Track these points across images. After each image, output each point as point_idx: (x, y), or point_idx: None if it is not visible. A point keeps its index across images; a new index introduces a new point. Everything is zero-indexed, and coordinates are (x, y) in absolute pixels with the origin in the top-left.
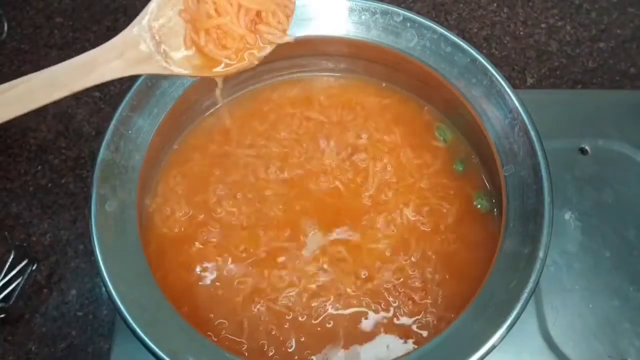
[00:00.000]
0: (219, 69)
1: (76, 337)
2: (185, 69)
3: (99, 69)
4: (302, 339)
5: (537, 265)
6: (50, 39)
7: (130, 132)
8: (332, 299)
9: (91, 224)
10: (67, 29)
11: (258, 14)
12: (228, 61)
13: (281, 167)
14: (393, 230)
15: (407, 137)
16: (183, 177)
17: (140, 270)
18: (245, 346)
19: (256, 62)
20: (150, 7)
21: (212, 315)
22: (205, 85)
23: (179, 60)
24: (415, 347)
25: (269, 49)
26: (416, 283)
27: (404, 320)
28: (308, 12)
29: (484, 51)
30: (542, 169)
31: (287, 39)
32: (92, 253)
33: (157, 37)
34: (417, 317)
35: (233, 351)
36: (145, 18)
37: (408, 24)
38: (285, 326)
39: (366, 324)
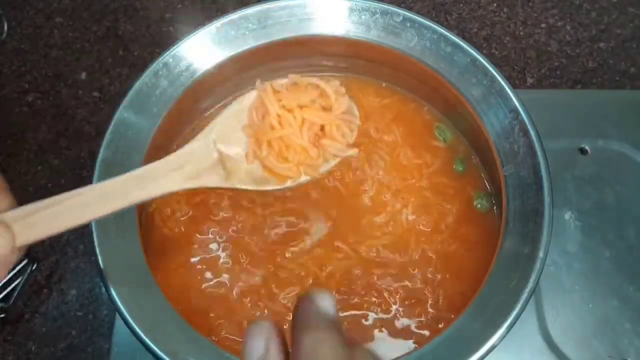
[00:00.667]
0: (279, 185)
1: (76, 337)
2: (246, 183)
3: (158, 181)
4: None
5: (537, 265)
6: (50, 38)
7: (130, 132)
8: None
9: (91, 224)
10: (67, 28)
11: (322, 128)
12: (290, 174)
13: None
14: (393, 230)
15: (407, 137)
16: None
17: (140, 270)
18: None
19: (318, 177)
20: (215, 122)
21: (212, 315)
22: (204, 85)
23: (240, 174)
24: (416, 347)
25: (333, 163)
26: (416, 283)
27: (404, 320)
28: (308, 12)
29: (484, 51)
30: (542, 169)
31: (351, 152)
32: (92, 253)
33: (219, 151)
34: (417, 317)
35: (233, 351)
36: (209, 133)
37: (408, 24)
38: (285, 327)
39: (366, 324)
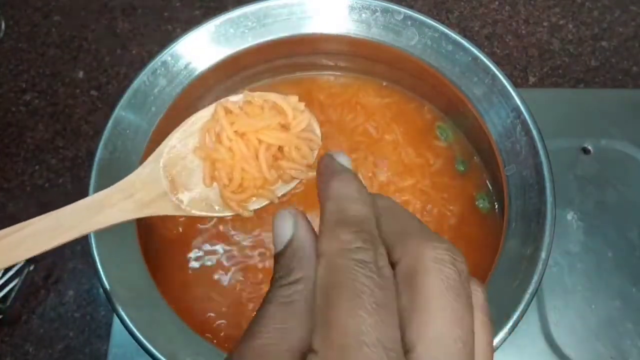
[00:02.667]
0: (236, 211)
1: (73, 338)
2: (202, 209)
3: (107, 210)
4: None
5: (539, 266)
6: (48, 37)
7: (128, 131)
8: None
9: None
10: (65, 27)
11: (280, 149)
12: (246, 201)
13: None
14: None
15: (408, 137)
16: None
17: (138, 271)
18: None
19: (277, 201)
20: (164, 146)
21: (210, 316)
22: (203, 84)
23: (194, 200)
24: None
25: (292, 185)
26: None
27: None
28: (308, 10)
29: (486, 50)
30: (544, 169)
31: (311, 175)
32: (90, 254)
33: (171, 177)
34: None
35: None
36: (158, 157)
37: (409, 22)
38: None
39: None
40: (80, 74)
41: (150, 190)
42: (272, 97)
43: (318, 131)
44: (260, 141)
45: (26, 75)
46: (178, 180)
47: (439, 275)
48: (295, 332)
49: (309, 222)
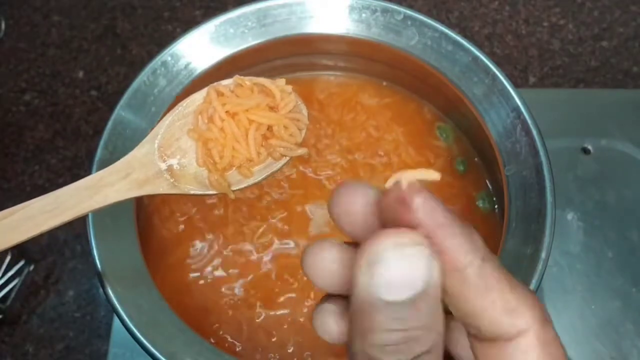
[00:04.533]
0: (229, 187)
1: (73, 338)
2: (195, 188)
3: (105, 190)
4: (301, 341)
5: (539, 266)
6: (48, 37)
7: (127, 131)
8: None
9: (88, 225)
10: (64, 27)
11: (269, 128)
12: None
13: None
14: None
15: (407, 137)
16: None
17: (138, 271)
18: (244, 348)
19: (264, 179)
20: (159, 127)
21: (210, 317)
22: (203, 84)
23: (188, 179)
24: None
25: (282, 163)
26: None
27: None
28: (308, 10)
29: (486, 50)
30: (544, 169)
31: (300, 152)
32: (90, 254)
33: (166, 157)
34: None
35: (231, 353)
36: (153, 138)
37: (409, 22)
38: (285, 327)
39: None
40: (80, 74)
41: (146, 170)
42: (261, 80)
43: (305, 112)
44: (250, 121)
45: (26, 75)
46: (174, 161)
47: None
48: None
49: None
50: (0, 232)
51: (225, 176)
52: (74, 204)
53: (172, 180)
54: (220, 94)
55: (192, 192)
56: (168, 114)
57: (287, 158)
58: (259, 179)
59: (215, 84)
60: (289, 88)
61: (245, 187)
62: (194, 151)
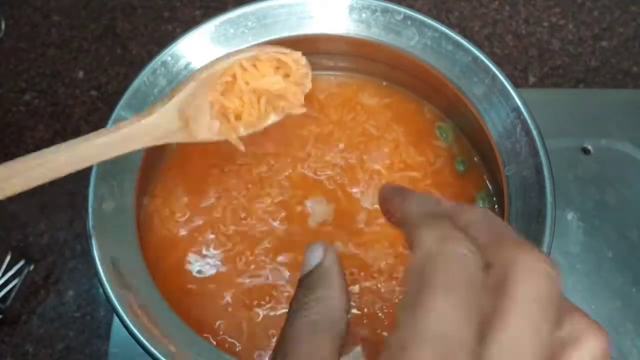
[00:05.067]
0: (236, 134)
1: (73, 338)
2: (207, 136)
3: (129, 143)
4: None
5: None
6: (48, 37)
7: None
8: None
9: (88, 225)
10: (64, 27)
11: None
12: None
13: (280, 167)
14: (393, 231)
15: (407, 137)
16: (182, 177)
17: (138, 271)
18: (244, 348)
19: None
20: (181, 90)
21: (210, 317)
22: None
23: (203, 129)
24: None
25: (281, 116)
26: None
27: None
28: (308, 10)
29: (486, 50)
30: (544, 169)
31: (301, 110)
32: (90, 254)
33: (185, 116)
34: None
35: (231, 353)
36: (176, 101)
37: (409, 22)
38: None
39: (365, 323)
40: (80, 74)
41: (167, 127)
42: (278, 54)
43: (309, 76)
44: (265, 89)
45: (26, 75)
46: (190, 115)
47: (528, 286)
48: (322, 348)
49: (337, 255)
50: (26, 170)
51: (236, 129)
52: (98, 155)
53: (188, 133)
54: (244, 69)
55: (205, 140)
56: (188, 79)
57: (287, 113)
58: (260, 128)
59: (238, 55)
60: (303, 60)
61: (247, 133)
62: (209, 108)
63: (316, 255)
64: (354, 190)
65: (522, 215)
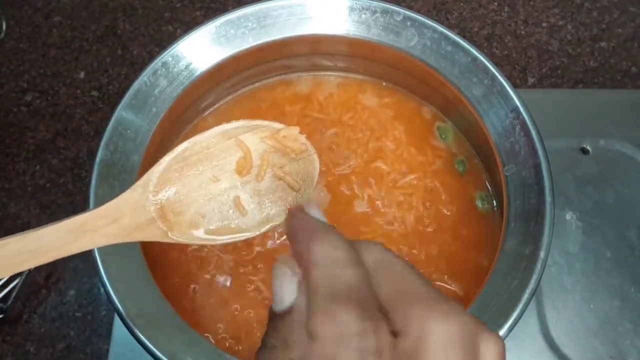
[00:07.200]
0: (224, 238)
1: (74, 337)
2: (189, 238)
3: (90, 234)
4: None
5: (538, 266)
6: (49, 38)
7: (128, 131)
8: None
9: None
10: (65, 28)
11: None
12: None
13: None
14: (393, 231)
15: (407, 137)
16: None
17: (139, 270)
18: (244, 348)
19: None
20: (153, 171)
21: (211, 316)
22: (204, 85)
23: (183, 227)
24: None
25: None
26: None
27: None
28: (308, 11)
29: (485, 50)
30: (543, 169)
31: (305, 200)
32: (91, 253)
33: (160, 203)
34: None
35: (231, 353)
36: (146, 182)
37: (408, 23)
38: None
39: None
40: (81, 75)
41: (137, 216)
42: (278, 145)
43: (317, 164)
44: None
45: (27, 76)
46: (170, 207)
47: None
48: None
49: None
50: None
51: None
52: (56, 247)
53: (164, 229)
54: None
55: (187, 241)
56: (164, 157)
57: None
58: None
59: (236, 135)
60: (302, 138)
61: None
62: (192, 197)
63: (288, 291)
64: (354, 190)
65: (521, 215)
